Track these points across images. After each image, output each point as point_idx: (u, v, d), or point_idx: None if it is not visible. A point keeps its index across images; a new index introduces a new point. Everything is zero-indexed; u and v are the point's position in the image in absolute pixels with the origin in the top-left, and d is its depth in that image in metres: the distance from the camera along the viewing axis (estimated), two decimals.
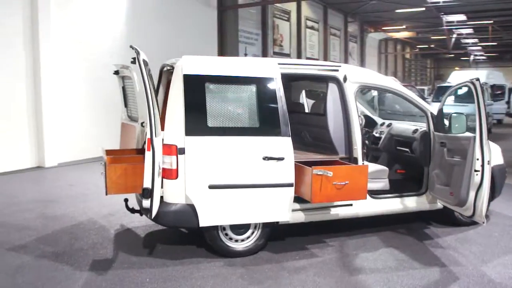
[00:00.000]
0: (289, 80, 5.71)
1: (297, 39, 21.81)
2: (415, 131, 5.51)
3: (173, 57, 4.86)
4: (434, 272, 4.20)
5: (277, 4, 19.94)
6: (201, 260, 4.48)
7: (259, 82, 4.45)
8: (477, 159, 4.41)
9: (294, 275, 4.15)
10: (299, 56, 21.95)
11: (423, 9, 22.63)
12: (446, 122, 5.18)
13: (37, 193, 7.34)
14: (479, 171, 4.42)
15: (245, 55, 18.78)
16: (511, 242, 5.03)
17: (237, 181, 4.30)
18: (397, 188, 5.57)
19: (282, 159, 4.39)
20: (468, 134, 4.73)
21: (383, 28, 30.69)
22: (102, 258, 4.56)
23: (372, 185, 5.29)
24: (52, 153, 9.88)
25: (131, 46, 3.76)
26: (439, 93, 15.34)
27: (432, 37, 34.08)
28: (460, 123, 5.08)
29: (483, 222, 4.50)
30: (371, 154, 6.31)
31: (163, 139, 4.25)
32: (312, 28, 23.10)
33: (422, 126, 5.58)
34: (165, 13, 13.76)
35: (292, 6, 21.13)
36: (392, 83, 5.43)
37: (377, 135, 6.05)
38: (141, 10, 12.82)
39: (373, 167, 5.53)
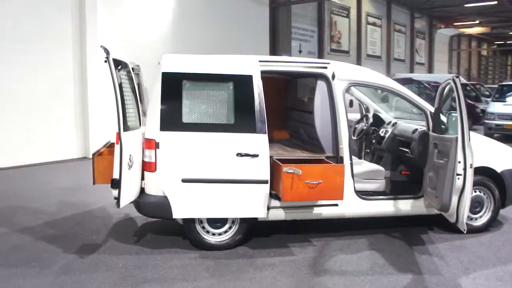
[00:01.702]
0: (295, 77, 5.71)
1: (357, 36, 21.32)
2: (415, 131, 5.25)
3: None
4: (404, 280, 4.01)
5: (335, 0, 19.64)
6: (179, 251, 4.63)
7: (236, 80, 4.51)
8: (459, 162, 4.14)
9: (258, 271, 4.17)
10: (359, 53, 21.44)
11: (495, 2, 21.08)
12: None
13: (69, 181, 7.92)
14: (461, 174, 4.14)
15: (300, 52, 18.72)
16: (510, 253, 4.64)
17: (210, 175, 4.40)
18: (398, 190, 5.37)
19: (256, 155, 4.42)
20: (453, 135, 4.43)
21: (454, 23, 28.97)
22: (91, 243, 4.87)
23: (365, 186, 5.16)
24: (95, 145, 10.54)
25: (101, 46, 3.98)
26: (501, 92, 14.25)
27: (511, 33, 31.60)
28: (455, 124, 4.79)
29: (464, 230, 4.21)
30: (377, 154, 6.09)
31: (143, 134, 4.48)
32: (374, 24, 22.45)
33: (424, 126, 5.30)
34: (215, 12, 14.04)
35: (352, 2, 20.71)
36: (387, 80, 5.22)
37: (382, 134, 5.83)
38: (189, 8, 13.20)
39: (367, 167, 5.37)
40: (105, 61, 4.02)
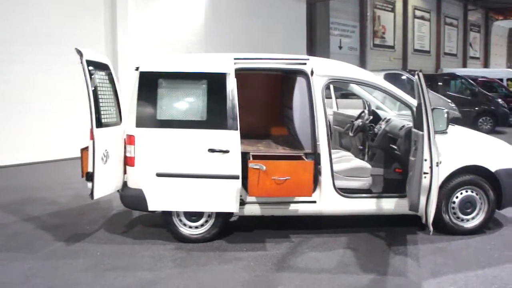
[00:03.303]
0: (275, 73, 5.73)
1: (402, 30, 20.65)
2: (402, 127, 5.10)
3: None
4: (365, 280, 3.94)
5: None
6: (159, 242, 4.81)
7: (209, 78, 4.61)
8: (425, 160, 3.99)
9: (222, 265, 4.27)
10: (405, 48, 20.77)
11: None
12: None
13: None
14: (427, 173, 3.99)
15: (340, 48, 18.45)
16: (496, 259, 4.39)
17: (183, 170, 4.54)
18: (390, 188, 5.23)
19: (227, 151, 4.50)
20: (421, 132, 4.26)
21: None
22: (82, 233, 5.17)
23: (348, 183, 5.08)
24: None
25: (75, 49, 4.22)
26: None
27: None
28: (440, 119, 4.63)
29: (430, 232, 4.05)
30: (371, 151, 5.96)
31: (124, 130, 4.72)
32: (421, 18, 21.61)
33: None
34: (249, 8, 14.07)
35: None
36: (370, 76, 5.10)
37: (376, 131, 5.69)
38: (223, 5, 13.31)
39: (352, 164, 5.28)
40: (80, 63, 4.26)
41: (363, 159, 5.96)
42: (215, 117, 4.55)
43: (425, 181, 4.02)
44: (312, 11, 16.43)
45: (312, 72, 4.81)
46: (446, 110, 4.69)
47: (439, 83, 14.61)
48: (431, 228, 4.06)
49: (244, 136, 5.73)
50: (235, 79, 4.61)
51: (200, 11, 13.00)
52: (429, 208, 4.00)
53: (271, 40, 14.18)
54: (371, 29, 19.21)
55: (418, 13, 21.38)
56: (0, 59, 8.85)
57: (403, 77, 12.77)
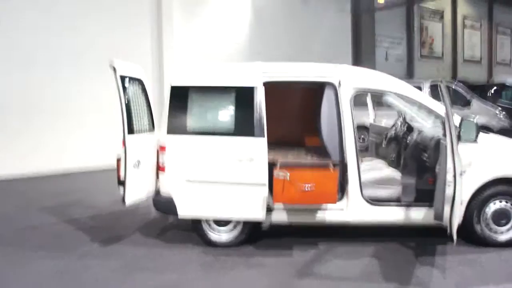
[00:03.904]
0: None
1: (452, 40, 20.08)
2: (432, 138, 5.02)
3: None
4: None
5: (427, 5, 18.77)
6: (189, 246, 4.96)
7: (238, 91, 4.77)
8: (449, 169, 3.92)
9: (247, 270, 4.37)
10: (454, 58, 20.18)
11: None
12: None
13: None
14: (451, 182, 3.91)
15: (386, 60, 18.21)
16: None
17: (212, 178, 4.69)
18: (422, 198, 5.14)
19: (254, 160, 4.61)
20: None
21: None
22: (117, 235, 5.40)
23: (377, 192, 5.04)
24: None
25: (109, 65, 4.48)
26: None
27: None
28: (469, 130, 4.54)
29: (454, 242, 3.96)
30: (403, 161, 5.87)
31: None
32: (472, 27, 20.94)
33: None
34: (294, 21, 14.15)
35: (446, 5, 19.58)
36: (402, 86, 5.04)
37: (408, 141, 5.62)
38: (267, 19, 13.44)
39: (383, 173, 5.25)
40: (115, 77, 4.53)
41: (397, 169, 5.88)
42: (243, 127, 4.68)
43: (449, 191, 3.94)
44: (358, 23, 16.34)
45: (340, 84, 4.85)
46: (475, 120, 4.59)
47: (489, 93, 14.11)
48: (455, 238, 3.97)
49: (277, 145, 5.85)
50: (263, 91, 4.72)
51: (245, 23, 13.24)
52: (453, 218, 3.92)
53: (316, 52, 14.10)
54: (419, 39, 18.83)
55: (468, 22, 20.75)
56: (50, 71, 9.43)
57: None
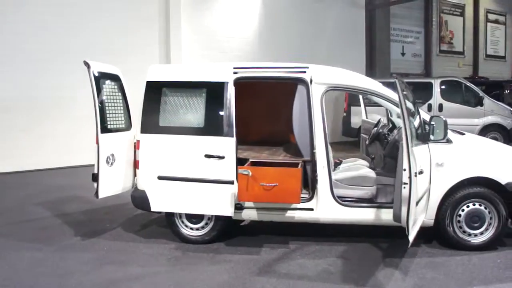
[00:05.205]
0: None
1: (473, 35, 19.52)
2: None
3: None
4: None
5: None
6: (163, 241, 5.10)
7: (208, 87, 4.85)
8: (404, 170, 3.88)
9: (210, 266, 4.44)
10: (475, 53, 19.61)
11: None
12: None
13: None
14: (407, 183, 3.88)
15: (402, 55, 17.89)
16: (492, 278, 4.12)
17: (182, 175, 4.80)
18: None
19: (222, 157, 4.69)
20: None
21: None
22: (100, 229, 5.59)
23: (350, 192, 5.04)
24: None
25: (83, 61, 4.64)
26: None
27: None
28: (439, 128, 4.49)
29: (409, 244, 3.93)
30: (383, 160, 5.82)
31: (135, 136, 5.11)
32: (495, 21, 20.28)
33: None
34: (305, 16, 14.03)
35: None
36: (372, 84, 5.02)
37: (388, 139, 5.58)
38: (277, 13, 13.37)
39: (355, 173, 5.22)
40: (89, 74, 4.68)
41: (380, 168, 5.84)
42: (213, 124, 4.77)
43: (405, 192, 3.91)
44: (372, 17, 16.07)
45: (311, 80, 4.86)
46: (444, 119, 4.52)
47: (506, 91, 13.71)
48: (410, 239, 3.93)
49: (256, 143, 5.89)
50: (233, 88, 4.79)
51: (254, 20, 13.23)
52: (409, 219, 3.88)
53: (329, 48, 13.97)
54: (437, 34, 18.39)
55: (491, 16, 20.09)
56: (61, 68, 9.75)
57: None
